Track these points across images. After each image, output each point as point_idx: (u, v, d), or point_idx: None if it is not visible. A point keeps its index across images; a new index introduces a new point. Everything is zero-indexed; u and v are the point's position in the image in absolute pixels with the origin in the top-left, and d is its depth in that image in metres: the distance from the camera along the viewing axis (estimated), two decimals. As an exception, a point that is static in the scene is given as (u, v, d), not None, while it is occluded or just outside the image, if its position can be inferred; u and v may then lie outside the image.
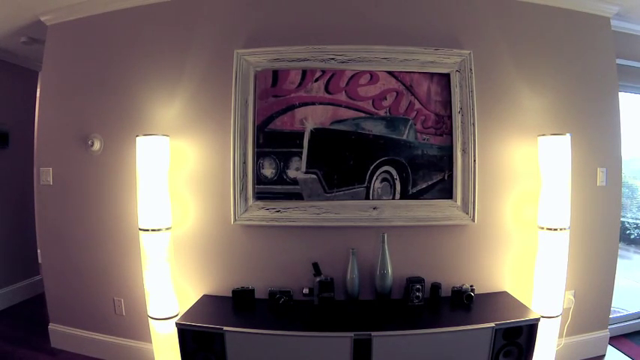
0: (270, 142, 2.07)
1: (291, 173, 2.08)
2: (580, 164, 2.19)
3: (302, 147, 2.06)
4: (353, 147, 2.07)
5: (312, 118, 2.06)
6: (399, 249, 2.12)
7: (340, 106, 2.06)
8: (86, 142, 2.30)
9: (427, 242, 2.16)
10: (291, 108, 2.07)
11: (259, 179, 2.08)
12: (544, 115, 2.20)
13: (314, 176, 2.07)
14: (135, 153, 2.01)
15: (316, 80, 2.07)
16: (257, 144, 2.00)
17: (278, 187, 2.08)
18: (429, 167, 2.11)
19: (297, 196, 2.08)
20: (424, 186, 2.10)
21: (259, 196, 2.08)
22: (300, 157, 2.07)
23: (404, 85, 2.08)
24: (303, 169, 2.07)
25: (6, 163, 3.21)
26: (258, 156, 2.07)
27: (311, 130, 2.06)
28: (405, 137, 2.08)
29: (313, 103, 2.07)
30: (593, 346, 2.35)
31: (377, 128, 2.07)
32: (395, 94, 2.07)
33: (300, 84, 2.07)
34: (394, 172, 2.08)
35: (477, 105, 2.09)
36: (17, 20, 2.52)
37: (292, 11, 2.14)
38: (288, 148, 2.07)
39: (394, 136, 2.08)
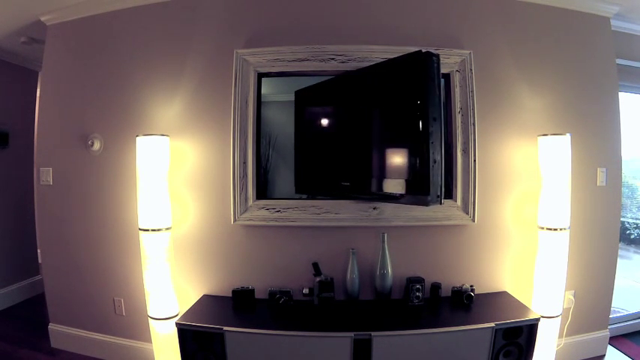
0: None
1: None
2: (580, 164, 2.19)
3: None
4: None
5: None
6: (399, 249, 2.12)
7: None
8: (86, 142, 2.30)
9: (427, 242, 2.16)
10: None
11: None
12: (544, 115, 2.20)
13: None
14: (135, 153, 2.01)
15: None
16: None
17: None
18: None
19: None
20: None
21: None
22: None
23: None
24: None
25: (6, 163, 3.20)
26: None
27: None
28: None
29: None
30: (593, 346, 2.35)
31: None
32: None
33: None
34: None
35: (477, 105, 2.09)
36: (17, 20, 2.52)
37: (292, 11, 2.14)
38: None
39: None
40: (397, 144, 1.82)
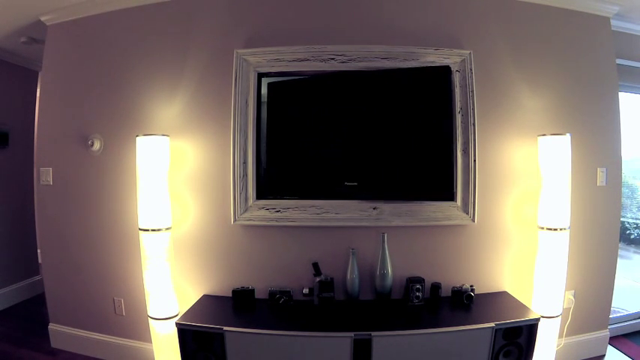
0: None
1: None
2: (580, 164, 2.18)
3: None
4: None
5: None
6: (399, 249, 2.12)
7: None
8: (86, 142, 2.30)
9: (427, 242, 2.16)
10: None
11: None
12: (544, 115, 2.20)
13: None
14: (135, 153, 2.01)
15: None
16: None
17: None
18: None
19: None
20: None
21: None
22: None
23: None
24: None
25: (6, 163, 3.20)
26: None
27: None
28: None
29: None
30: (593, 346, 2.35)
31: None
32: None
33: None
34: None
35: (477, 105, 2.09)
36: (17, 20, 2.52)
37: (292, 11, 2.14)
38: None
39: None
40: (418, 147, 2.06)
